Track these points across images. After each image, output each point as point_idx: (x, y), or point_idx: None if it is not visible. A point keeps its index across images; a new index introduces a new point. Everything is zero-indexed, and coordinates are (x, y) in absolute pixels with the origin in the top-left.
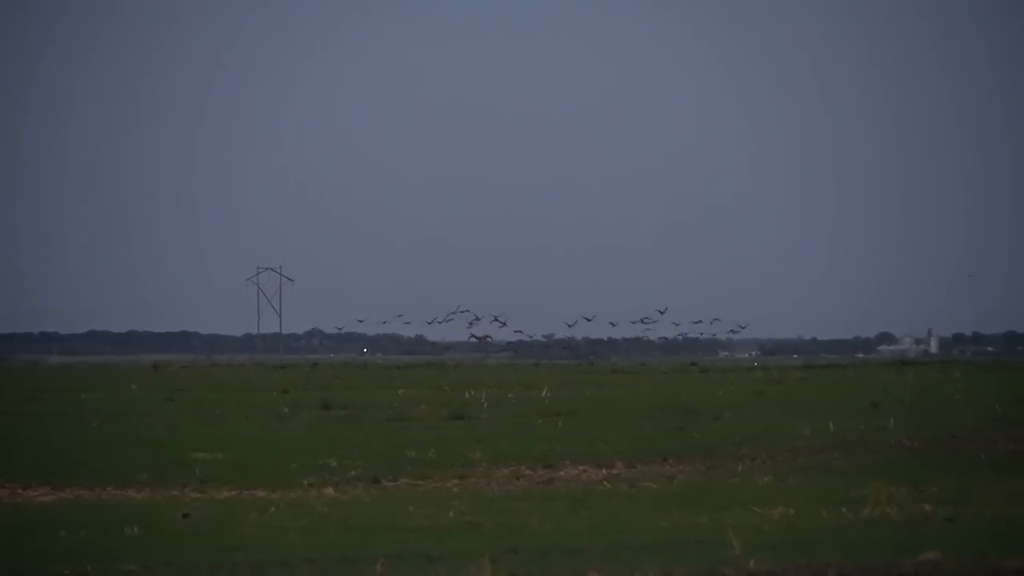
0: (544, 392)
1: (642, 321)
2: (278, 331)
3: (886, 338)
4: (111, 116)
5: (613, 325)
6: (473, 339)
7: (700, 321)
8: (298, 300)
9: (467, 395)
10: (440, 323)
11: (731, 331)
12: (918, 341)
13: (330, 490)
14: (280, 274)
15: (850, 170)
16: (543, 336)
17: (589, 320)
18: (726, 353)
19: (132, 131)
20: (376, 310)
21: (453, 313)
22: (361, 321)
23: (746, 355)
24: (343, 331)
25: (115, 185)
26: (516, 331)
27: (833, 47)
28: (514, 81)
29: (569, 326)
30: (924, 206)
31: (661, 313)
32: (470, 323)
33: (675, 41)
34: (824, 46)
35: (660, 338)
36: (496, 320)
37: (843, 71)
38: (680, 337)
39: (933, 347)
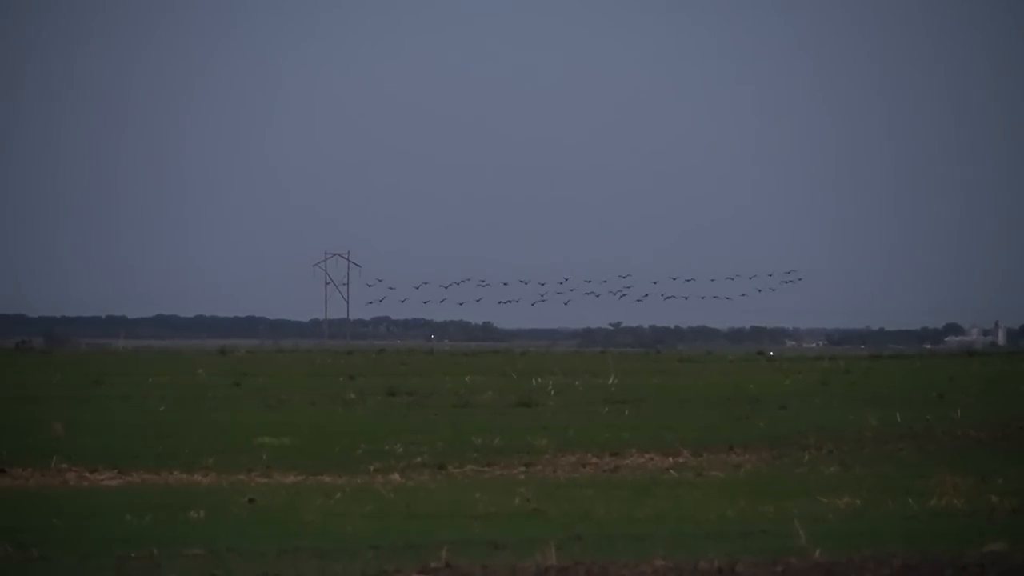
0: (611, 380)
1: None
2: (345, 317)
3: (953, 329)
4: (177, 99)
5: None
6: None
7: (771, 274)
8: (366, 286)
9: (533, 382)
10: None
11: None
12: (985, 332)
13: (396, 476)
14: (348, 260)
15: (918, 163)
16: (610, 324)
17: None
18: (793, 342)
19: (198, 116)
20: (445, 294)
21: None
22: (427, 302)
23: (813, 344)
24: (410, 318)
25: (182, 170)
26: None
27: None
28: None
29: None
30: (992, 199)
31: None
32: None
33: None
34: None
35: (728, 327)
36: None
37: (898, 64)
38: (748, 327)
39: (1000, 338)
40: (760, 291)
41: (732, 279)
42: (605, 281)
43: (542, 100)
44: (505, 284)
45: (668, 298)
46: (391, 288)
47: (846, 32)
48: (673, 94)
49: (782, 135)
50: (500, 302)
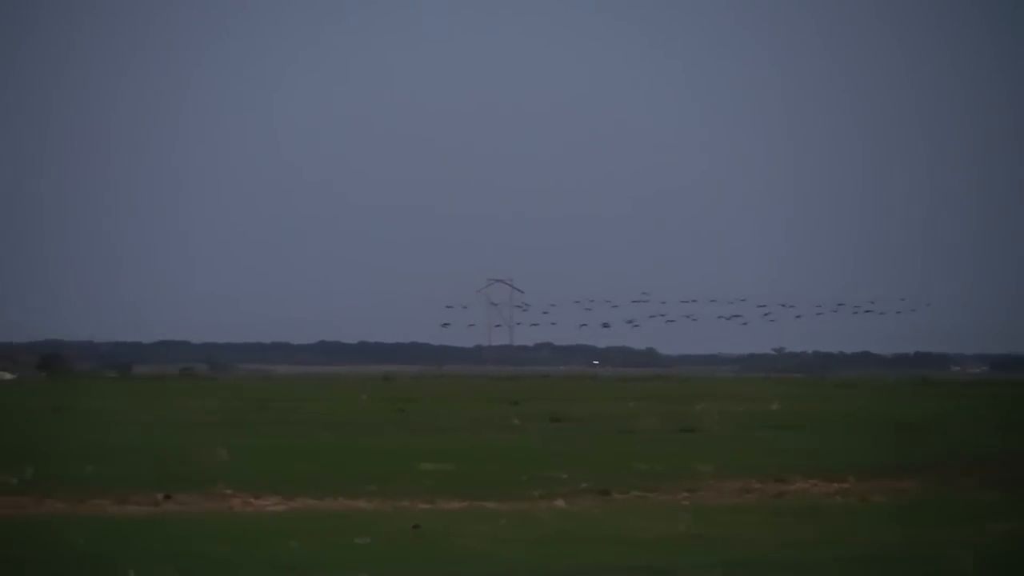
0: (774, 405)
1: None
2: (508, 342)
3: None
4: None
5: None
6: None
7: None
8: (528, 311)
9: (696, 408)
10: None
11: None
12: None
13: (560, 502)
14: (511, 286)
15: None
16: (773, 349)
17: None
18: (957, 368)
19: (363, 149)
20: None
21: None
22: (584, 325)
23: (976, 370)
24: (573, 343)
25: (346, 199)
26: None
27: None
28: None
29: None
30: None
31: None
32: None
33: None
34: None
35: (892, 353)
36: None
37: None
38: (912, 352)
39: None
40: (915, 311)
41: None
42: (764, 305)
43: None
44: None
45: (824, 314)
46: (546, 313)
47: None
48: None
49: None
50: (666, 320)
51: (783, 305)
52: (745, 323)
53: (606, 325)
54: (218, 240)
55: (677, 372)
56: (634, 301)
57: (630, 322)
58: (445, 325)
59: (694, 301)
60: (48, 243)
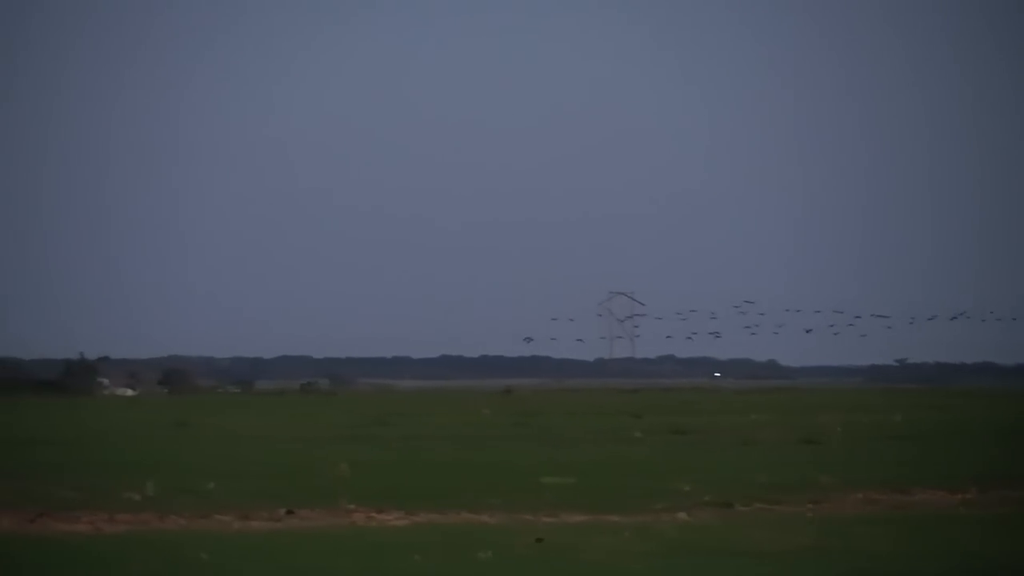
0: (897, 416)
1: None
2: (630, 355)
3: None
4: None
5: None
6: None
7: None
8: (650, 323)
9: (818, 419)
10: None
11: None
12: None
13: (683, 515)
14: (632, 299)
15: None
16: (895, 360)
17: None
18: None
19: (486, 159)
20: (729, 331)
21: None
22: (693, 334)
23: None
24: (695, 356)
25: (467, 214)
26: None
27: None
28: None
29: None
30: None
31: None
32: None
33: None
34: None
35: (1015, 363)
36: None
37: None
38: None
39: None
40: None
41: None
42: (888, 317)
43: (833, 131)
44: (785, 313)
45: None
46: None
47: None
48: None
49: None
50: (773, 331)
51: (876, 316)
52: (864, 335)
53: (715, 334)
54: (342, 255)
55: (799, 384)
56: (735, 307)
57: (747, 328)
58: (528, 339)
59: (797, 311)
60: (170, 260)
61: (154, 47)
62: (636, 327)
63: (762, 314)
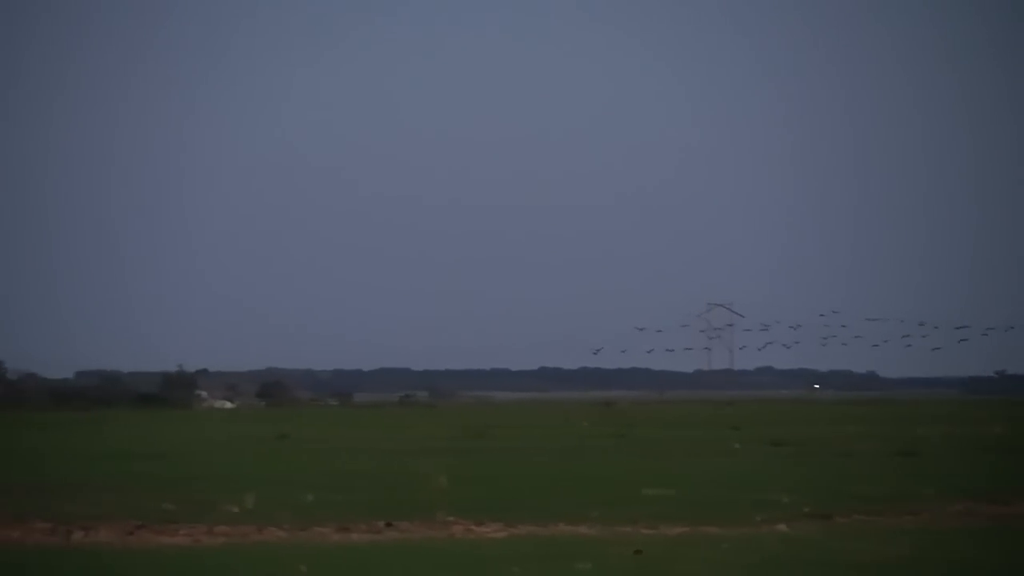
0: (997, 428)
1: None
2: (728, 367)
3: None
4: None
5: None
6: None
7: None
8: (748, 335)
9: (917, 431)
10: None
11: None
12: None
13: (782, 526)
14: (730, 310)
15: None
16: (995, 372)
17: None
18: None
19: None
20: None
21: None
22: (795, 343)
23: None
24: (794, 367)
25: (562, 222)
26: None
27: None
28: None
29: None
30: None
31: None
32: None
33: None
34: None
35: None
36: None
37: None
38: None
39: None
40: None
41: None
42: (962, 327)
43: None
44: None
45: None
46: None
47: None
48: None
49: None
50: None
51: (954, 327)
52: (965, 339)
53: (824, 342)
54: (443, 270)
55: (897, 395)
56: (821, 315)
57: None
58: (597, 351)
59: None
60: (272, 274)
61: (164, 54)
62: (733, 338)
63: (844, 326)
